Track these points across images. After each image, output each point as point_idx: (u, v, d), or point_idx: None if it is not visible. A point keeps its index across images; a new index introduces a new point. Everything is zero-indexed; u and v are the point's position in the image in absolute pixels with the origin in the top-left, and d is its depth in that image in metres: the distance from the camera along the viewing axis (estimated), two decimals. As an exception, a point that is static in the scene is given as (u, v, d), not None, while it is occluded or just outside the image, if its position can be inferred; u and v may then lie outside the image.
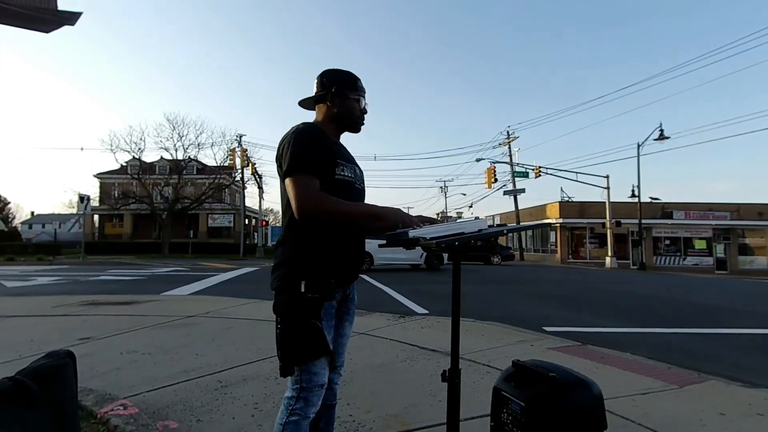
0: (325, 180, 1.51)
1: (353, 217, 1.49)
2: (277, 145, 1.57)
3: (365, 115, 1.73)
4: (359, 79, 1.72)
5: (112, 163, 49.81)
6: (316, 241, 1.51)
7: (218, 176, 33.41)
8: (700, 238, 29.33)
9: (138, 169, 32.20)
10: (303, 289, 1.46)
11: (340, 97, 1.65)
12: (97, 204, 35.42)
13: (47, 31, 1.94)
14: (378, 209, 1.52)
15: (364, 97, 1.71)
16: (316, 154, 1.50)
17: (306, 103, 1.75)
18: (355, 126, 1.72)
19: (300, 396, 1.48)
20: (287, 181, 1.47)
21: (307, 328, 1.46)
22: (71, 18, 1.95)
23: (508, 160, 32.88)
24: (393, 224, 1.49)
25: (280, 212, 1.65)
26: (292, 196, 1.45)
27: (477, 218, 1.75)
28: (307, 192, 1.44)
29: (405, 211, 1.52)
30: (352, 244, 1.61)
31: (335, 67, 1.72)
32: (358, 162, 1.73)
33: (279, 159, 1.53)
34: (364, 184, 1.74)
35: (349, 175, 1.61)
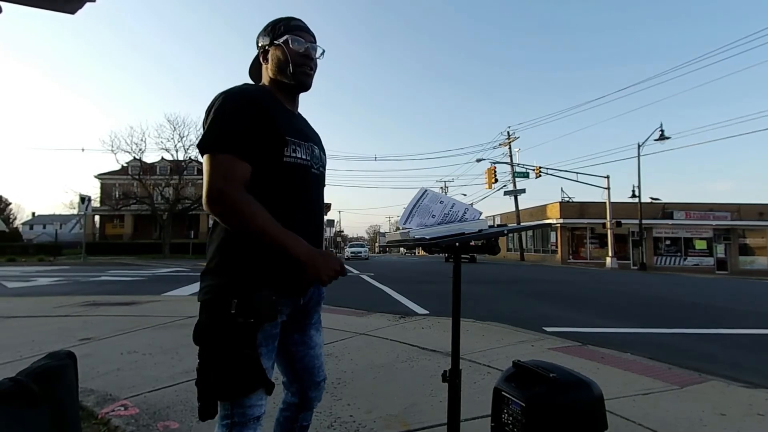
0: (270, 164, 1.19)
1: (266, 241, 1.11)
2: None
3: (311, 61, 1.33)
4: (295, 19, 1.34)
5: (112, 163, 49.90)
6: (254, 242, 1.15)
7: (219, 177, 33.31)
8: (701, 239, 29.30)
9: (139, 169, 32.26)
10: (234, 310, 1.11)
11: (272, 47, 1.31)
12: (98, 205, 35.44)
13: (73, 12, 1.91)
14: (303, 254, 1.12)
15: (302, 36, 1.31)
16: (249, 126, 1.16)
17: (255, 73, 1.42)
18: (297, 77, 1.30)
19: None
20: (205, 158, 1.14)
21: (238, 360, 1.12)
22: None
23: (508, 160, 32.92)
24: (306, 275, 1.14)
25: None
26: (206, 177, 1.12)
27: (477, 213, 1.74)
28: (228, 178, 1.11)
29: (340, 262, 1.19)
30: (310, 237, 1.24)
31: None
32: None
33: (204, 126, 1.21)
34: (324, 167, 1.39)
35: (304, 156, 1.26)
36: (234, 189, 1.11)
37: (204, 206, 1.14)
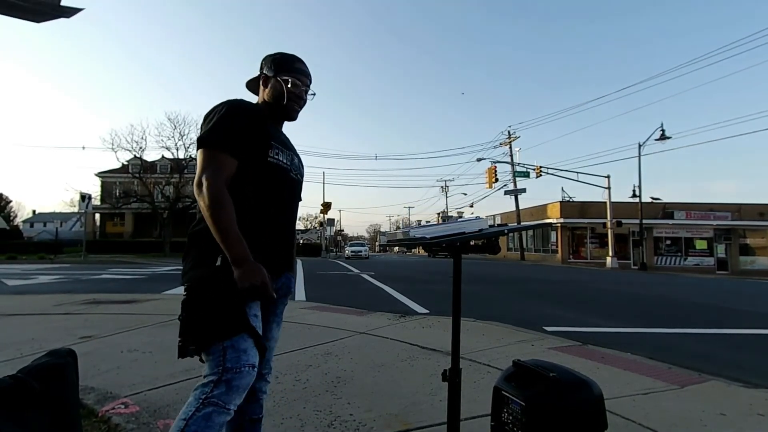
0: (256, 162, 1.38)
1: (221, 237, 1.25)
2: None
3: (302, 101, 1.57)
4: (300, 61, 1.57)
5: (113, 162, 49.70)
6: (239, 221, 1.31)
7: (219, 175, 33.26)
8: (701, 239, 29.29)
9: (139, 168, 32.21)
10: (219, 263, 1.28)
11: (274, 79, 1.53)
12: (99, 203, 35.40)
13: (38, 21, 1.92)
14: (238, 258, 1.24)
15: (300, 80, 1.54)
16: (243, 131, 1.36)
17: (253, 86, 1.65)
18: (286, 110, 1.54)
19: (222, 379, 1.21)
20: (200, 152, 1.33)
21: (224, 302, 1.26)
22: (69, 12, 1.92)
23: (508, 159, 32.92)
24: (239, 279, 1.25)
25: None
26: (199, 168, 1.31)
27: (478, 218, 1.75)
28: (217, 174, 1.29)
29: (266, 279, 1.27)
30: (279, 228, 1.46)
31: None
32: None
33: (202, 127, 1.41)
34: (302, 176, 1.60)
35: (284, 161, 1.47)
36: (218, 183, 1.28)
37: (195, 187, 1.32)
